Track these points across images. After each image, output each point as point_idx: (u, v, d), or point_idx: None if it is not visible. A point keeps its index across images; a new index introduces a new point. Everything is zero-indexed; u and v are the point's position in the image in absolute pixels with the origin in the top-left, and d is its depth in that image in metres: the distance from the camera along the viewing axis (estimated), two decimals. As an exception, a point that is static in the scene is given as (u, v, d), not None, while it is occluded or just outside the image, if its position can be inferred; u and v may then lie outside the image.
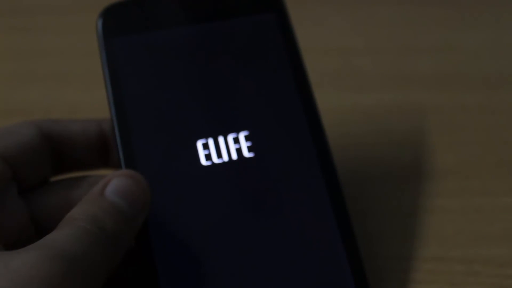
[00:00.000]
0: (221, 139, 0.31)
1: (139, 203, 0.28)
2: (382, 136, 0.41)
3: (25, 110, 0.42)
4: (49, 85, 0.44)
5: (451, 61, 0.45)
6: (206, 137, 0.31)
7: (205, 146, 0.31)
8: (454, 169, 0.39)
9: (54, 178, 0.32)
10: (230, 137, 0.31)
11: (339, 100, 0.43)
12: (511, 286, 0.33)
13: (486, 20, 0.48)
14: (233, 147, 0.31)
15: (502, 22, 0.48)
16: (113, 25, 0.32)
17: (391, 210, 0.37)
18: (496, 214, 0.36)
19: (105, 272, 0.26)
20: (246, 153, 0.31)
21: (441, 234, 0.36)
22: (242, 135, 0.31)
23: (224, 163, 0.31)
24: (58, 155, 0.31)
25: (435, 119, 0.41)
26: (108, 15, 0.32)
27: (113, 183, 0.28)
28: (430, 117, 0.42)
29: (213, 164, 0.31)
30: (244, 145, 0.31)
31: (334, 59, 0.45)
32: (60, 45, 0.47)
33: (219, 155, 0.31)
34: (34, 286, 0.23)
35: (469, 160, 0.39)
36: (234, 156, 0.31)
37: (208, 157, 0.31)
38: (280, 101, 0.32)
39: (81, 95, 0.43)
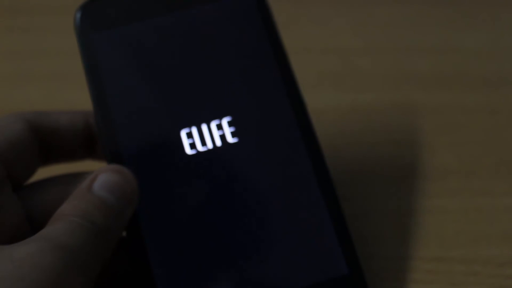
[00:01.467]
0: (204, 127, 0.31)
1: (126, 197, 0.28)
2: (381, 136, 0.41)
3: (25, 110, 0.42)
4: (49, 85, 0.44)
5: (451, 61, 0.45)
6: (190, 126, 0.31)
7: (189, 135, 0.31)
8: (454, 169, 0.39)
9: (41, 170, 0.33)
10: (213, 124, 0.32)
11: (338, 100, 0.43)
12: (511, 286, 0.33)
13: (486, 20, 0.48)
14: (216, 133, 0.31)
15: (502, 22, 0.48)
16: (90, 19, 0.33)
17: (390, 210, 0.37)
18: (496, 214, 0.37)
19: (99, 264, 0.27)
20: (230, 139, 0.31)
21: (441, 234, 0.36)
22: (225, 121, 0.32)
23: (209, 150, 0.31)
24: (45, 147, 0.32)
25: (435, 119, 0.42)
26: (85, 10, 0.33)
27: (100, 179, 0.28)
28: (430, 117, 0.42)
29: (198, 152, 0.31)
30: (227, 130, 0.31)
31: (334, 59, 0.45)
32: (60, 45, 0.47)
33: (204, 143, 0.31)
34: (39, 274, 0.24)
35: (469, 160, 0.39)
36: (218, 142, 0.31)
37: (192, 146, 0.31)
38: (261, 85, 0.32)
39: (81, 95, 0.43)
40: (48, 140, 0.32)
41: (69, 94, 0.44)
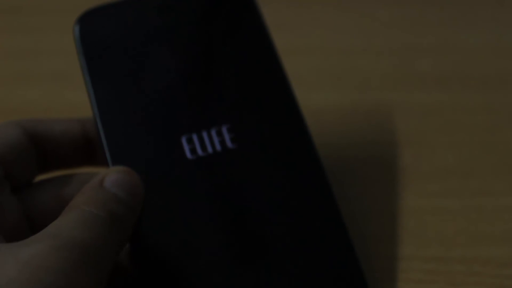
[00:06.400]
0: (204, 133, 0.32)
1: (136, 195, 0.29)
2: (381, 135, 0.41)
3: (25, 110, 0.42)
4: (49, 85, 0.44)
5: (451, 61, 0.45)
6: (190, 132, 0.32)
7: (189, 141, 0.32)
8: (454, 169, 0.39)
9: (39, 177, 0.32)
10: (213, 130, 0.32)
11: (339, 100, 0.43)
12: (511, 286, 0.33)
13: (486, 20, 0.48)
14: (216, 139, 0.32)
15: (502, 22, 0.48)
16: (89, 30, 0.33)
17: (391, 210, 0.37)
18: (496, 214, 0.36)
19: (111, 260, 0.27)
20: (230, 145, 0.32)
21: (441, 234, 0.36)
22: (224, 128, 0.32)
23: (208, 155, 0.31)
24: (42, 154, 0.32)
25: (435, 119, 0.41)
26: (83, 21, 0.33)
27: (110, 177, 0.28)
28: (430, 117, 0.42)
29: (198, 157, 0.31)
30: (227, 136, 0.32)
31: (334, 59, 0.45)
32: (60, 45, 0.47)
33: (203, 148, 0.32)
34: (45, 275, 0.24)
35: (469, 160, 0.39)
36: (218, 148, 0.32)
37: (193, 151, 0.31)
38: (257, 91, 0.33)
39: (81, 95, 0.43)
40: (45, 147, 0.32)
41: (69, 94, 0.44)
